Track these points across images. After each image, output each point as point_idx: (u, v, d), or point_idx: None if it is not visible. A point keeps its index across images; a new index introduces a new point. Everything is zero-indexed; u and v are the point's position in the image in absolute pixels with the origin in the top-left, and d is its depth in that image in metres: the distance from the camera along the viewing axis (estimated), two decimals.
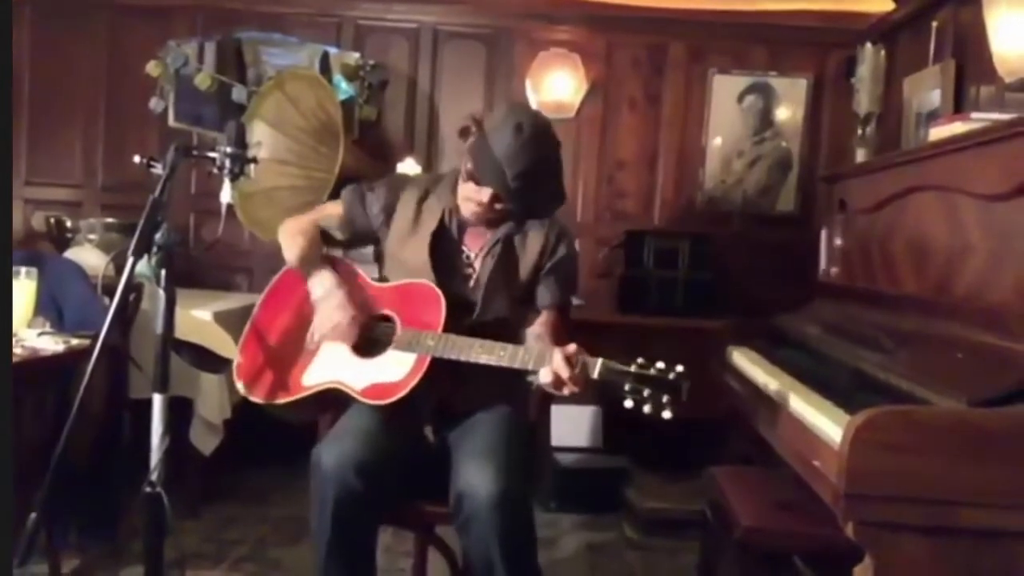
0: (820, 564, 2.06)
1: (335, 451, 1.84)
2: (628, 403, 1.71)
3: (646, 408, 1.70)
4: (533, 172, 1.97)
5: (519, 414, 2.10)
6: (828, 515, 1.59)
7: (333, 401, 2.03)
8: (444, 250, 2.08)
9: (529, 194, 2.01)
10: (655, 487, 3.47)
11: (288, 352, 2.09)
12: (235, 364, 2.12)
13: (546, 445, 3.51)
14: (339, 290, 2.05)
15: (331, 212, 2.18)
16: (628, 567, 3.07)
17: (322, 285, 2.06)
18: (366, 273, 2.16)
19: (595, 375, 1.76)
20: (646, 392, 1.71)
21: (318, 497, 1.84)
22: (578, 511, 3.49)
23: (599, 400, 3.67)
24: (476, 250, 2.09)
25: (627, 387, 1.72)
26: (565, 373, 1.75)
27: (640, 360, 1.73)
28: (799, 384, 2.03)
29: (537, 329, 2.05)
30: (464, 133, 2.04)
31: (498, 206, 2.03)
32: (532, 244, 2.09)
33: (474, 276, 2.08)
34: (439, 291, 1.98)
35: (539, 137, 1.98)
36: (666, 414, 1.70)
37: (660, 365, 1.72)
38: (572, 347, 1.78)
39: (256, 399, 2.07)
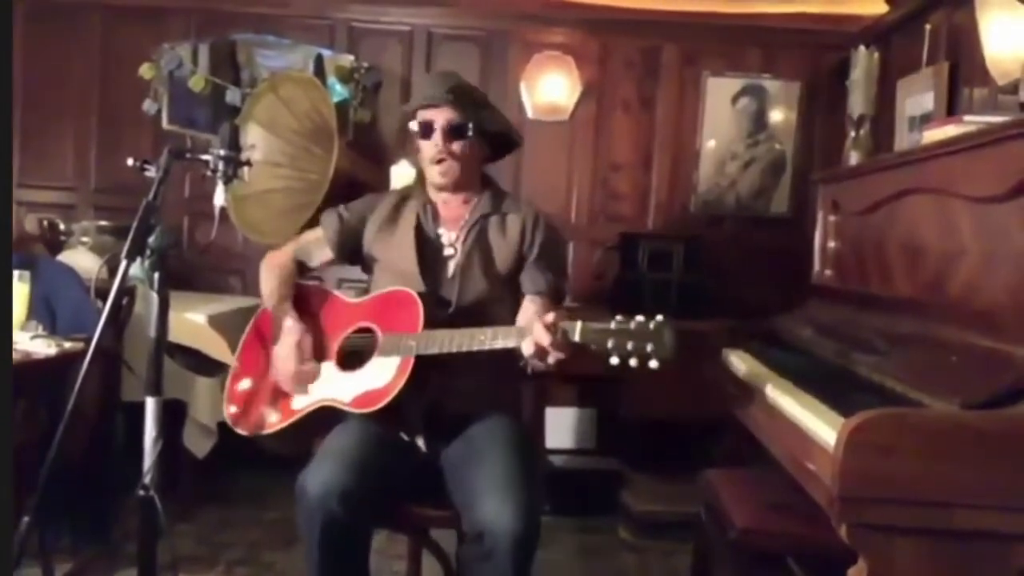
0: (814, 566, 2.06)
1: (319, 479, 1.81)
2: (614, 359, 1.68)
3: (632, 361, 1.67)
4: (463, 84, 2.12)
5: (514, 420, 2.08)
6: (822, 517, 1.59)
7: (324, 423, 2.01)
8: (426, 243, 2.13)
9: (471, 105, 2.09)
10: (649, 489, 3.47)
11: (275, 383, 2.10)
12: (224, 397, 2.16)
13: (540, 447, 3.51)
14: (292, 339, 2.05)
15: (311, 239, 2.24)
16: (623, 569, 3.08)
17: (284, 329, 2.09)
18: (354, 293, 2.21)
19: (576, 337, 1.74)
20: (630, 345, 1.68)
21: (305, 524, 1.83)
22: (572, 513, 3.48)
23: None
24: (455, 231, 2.14)
25: (610, 344, 1.69)
26: (546, 340, 1.74)
27: (619, 316, 1.71)
28: (793, 386, 2.03)
29: (529, 314, 2.03)
30: (403, 131, 2.18)
31: (455, 146, 2.08)
32: (511, 228, 2.14)
33: (454, 259, 2.11)
34: (414, 293, 2.00)
35: (455, 74, 2.18)
36: (653, 363, 1.67)
37: (640, 318, 1.70)
38: (551, 315, 1.78)
39: (244, 432, 2.08)
